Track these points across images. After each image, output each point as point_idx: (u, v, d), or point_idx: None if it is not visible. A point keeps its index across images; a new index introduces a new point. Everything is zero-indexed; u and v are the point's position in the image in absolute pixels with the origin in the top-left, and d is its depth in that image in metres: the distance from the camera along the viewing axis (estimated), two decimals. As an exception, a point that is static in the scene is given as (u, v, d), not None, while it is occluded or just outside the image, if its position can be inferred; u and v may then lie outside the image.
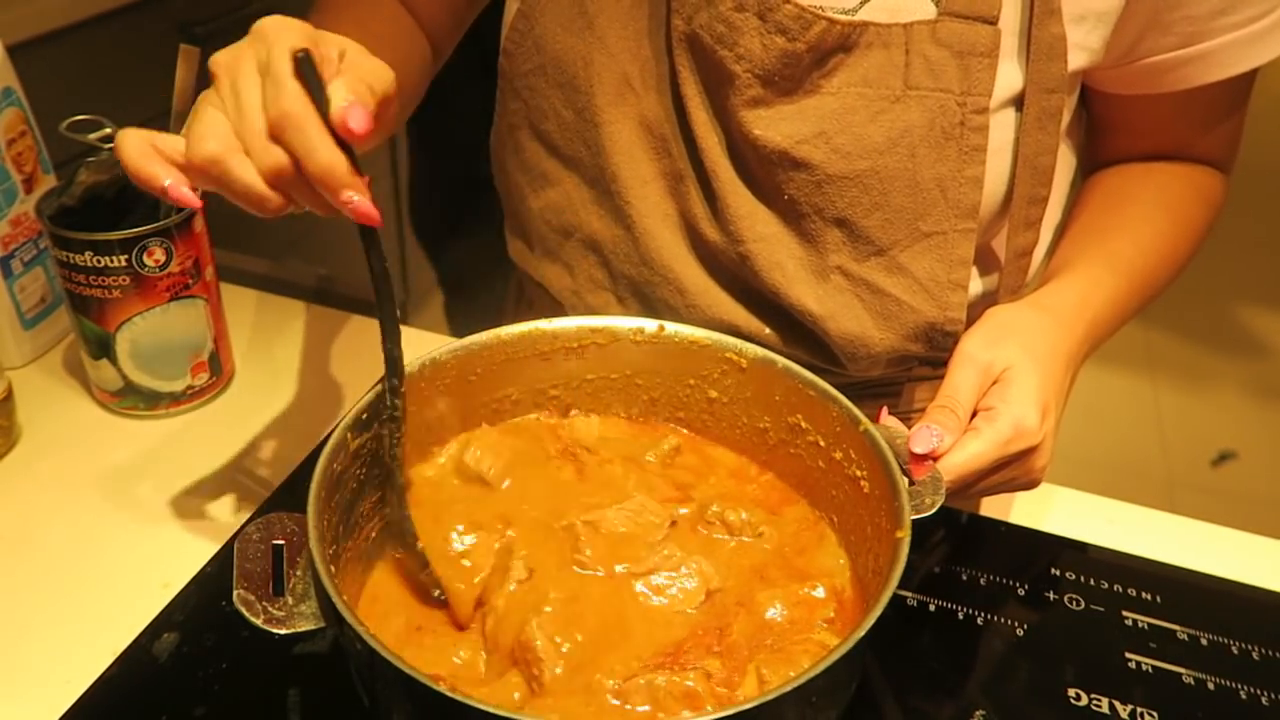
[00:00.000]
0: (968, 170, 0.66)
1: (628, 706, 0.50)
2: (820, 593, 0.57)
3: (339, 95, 0.48)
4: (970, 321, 0.69)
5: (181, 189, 0.50)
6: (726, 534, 0.61)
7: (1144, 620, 0.64)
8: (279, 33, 0.50)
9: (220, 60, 0.51)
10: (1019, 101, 0.66)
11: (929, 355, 0.73)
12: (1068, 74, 0.66)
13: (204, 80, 0.72)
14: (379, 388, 0.58)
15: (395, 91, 0.53)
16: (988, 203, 0.68)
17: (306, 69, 0.48)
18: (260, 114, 0.49)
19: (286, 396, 0.82)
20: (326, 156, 0.48)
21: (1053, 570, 0.68)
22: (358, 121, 0.48)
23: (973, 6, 0.63)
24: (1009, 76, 0.65)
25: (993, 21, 0.63)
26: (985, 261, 0.74)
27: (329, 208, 0.50)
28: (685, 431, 0.68)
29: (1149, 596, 0.66)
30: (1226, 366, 2.56)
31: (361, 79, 0.50)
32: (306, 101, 0.48)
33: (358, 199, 0.49)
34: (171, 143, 0.50)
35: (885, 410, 0.62)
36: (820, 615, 0.56)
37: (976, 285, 0.75)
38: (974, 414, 0.62)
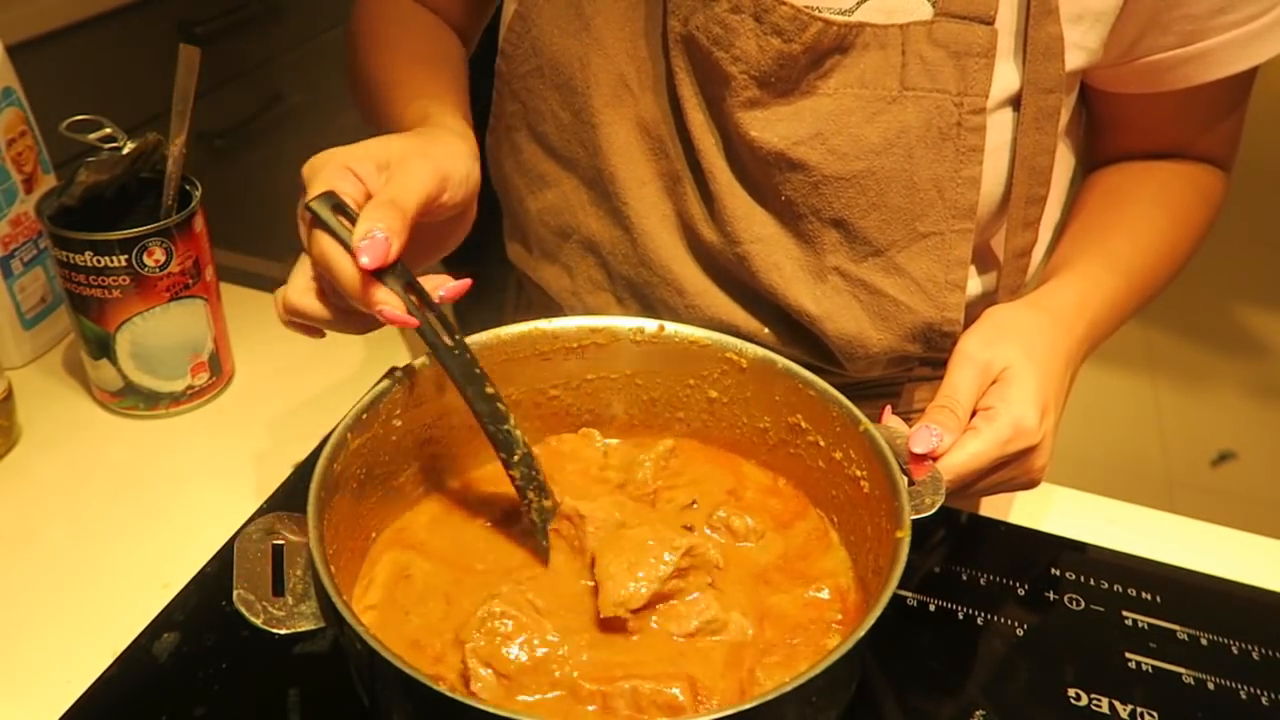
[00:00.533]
0: (965, 170, 0.66)
1: (608, 708, 0.50)
2: (825, 594, 0.57)
3: (358, 231, 0.53)
4: (969, 321, 0.69)
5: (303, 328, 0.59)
6: (731, 539, 0.61)
7: (1144, 620, 0.64)
8: (311, 180, 0.56)
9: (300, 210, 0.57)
10: (1016, 101, 0.66)
11: (928, 355, 0.73)
12: (1065, 73, 0.66)
13: (204, 80, 0.73)
14: (380, 387, 0.58)
15: (439, 187, 0.58)
16: (985, 203, 0.68)
17: (321, 215, 0.54)
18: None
19: (286, 396, 0.82)
20: (350, 287, 0.53)
21: (1053, 570, 0.68)
22: (368, 257, 0.53)
23: (969, 7, 0.63)
24: (1006, 76, 0.65)
25: (989, 22, 0.63)
26: (984, 261, 0.74)
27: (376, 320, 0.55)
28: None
29: (1149, 596, 0.66)
30: (1226, 366, 2.56)
31: (392, 201, 0.54)
32: (326, 246, 0.54)
33: (386, 309, 0.54)
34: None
35: (889, 409, 0.63)
36: (829, 617, 0.56)
37: (975, 285, 0.75)
38: (974, 414, 0.62)
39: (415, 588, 0.57)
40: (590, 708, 0.50)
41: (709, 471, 0.66)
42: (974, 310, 0.72)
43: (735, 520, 0.61)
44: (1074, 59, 0.66)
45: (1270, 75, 0.75)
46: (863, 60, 0.64)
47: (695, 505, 0.63)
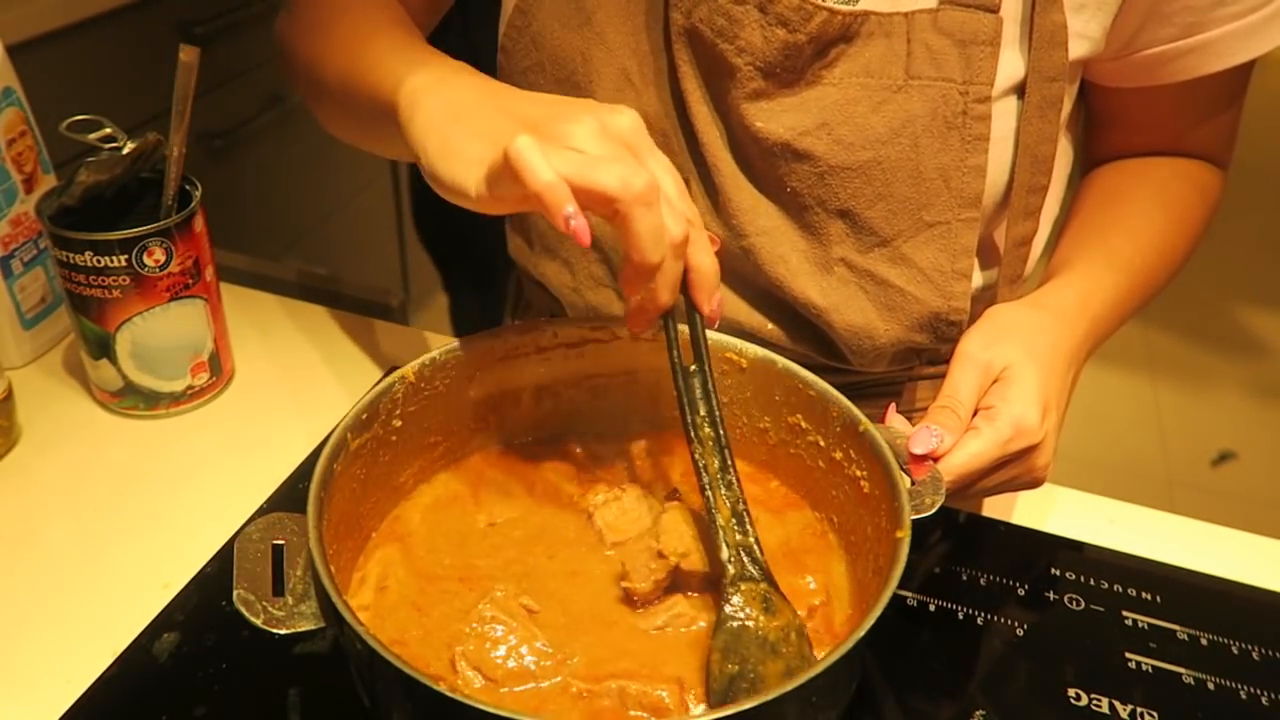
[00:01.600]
0: (970, 159, 0.66)
1: (594, 708, 0.50)
2: (811, 584, 0.58)
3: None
4: (969, 316, 0.69)
5: (584, 223, 0.49)
6: None
7: (1144, 620, 0.64)
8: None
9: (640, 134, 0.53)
10: (1020, 90, 0.66)
11: (933, 347, 0.73)
12: (1068, 62, 0.66)
13: (204, 80, 0.72)
14: (380, 387, 0.58)
15: None
16: (990, 192, 0.68)
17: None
18: (678, 191, 0.53)
19: (286, 396, 0.82)
20: (713, 256, 0.54)
21: (1053, 570, 0.68)
22: (715, 243, 0.56)
23: None
24: (1011, 65, 0.66)
25: (994, 10, 0.63)
26: (985, 254, 0.74)
27: (669, 294, 0.53)
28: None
29: (1149, 596, 0.66)
30: (1226, 366, 2.56)
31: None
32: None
33: (720, 297, 0.56)
34: (556, 162, 0.49)
35: (893, 408, 0.63)
36: (804, 603, 0.56)
37: (977, 278, 0.75)
38: (975, 413, 0.62)
39: (389, 598, 0.57)
40: (577, 707, 0.50)
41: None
42: (975, 303, 0.72)
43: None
44: (1077, 48, 0.66)
45: (1269, 74, 0.75)
46: (868, 49, 0.64)
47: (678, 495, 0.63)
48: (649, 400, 0.67)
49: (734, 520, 0.54)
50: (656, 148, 0.53)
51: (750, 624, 0.52)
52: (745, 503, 0.55)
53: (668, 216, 0.50)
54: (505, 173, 0.49)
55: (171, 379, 0.78)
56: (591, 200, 0.49)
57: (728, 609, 0.52)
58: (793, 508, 0.63)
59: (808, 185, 0.67)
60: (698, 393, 0.56)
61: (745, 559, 0.54)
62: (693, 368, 0.57)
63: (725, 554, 0.54)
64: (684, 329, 0.58)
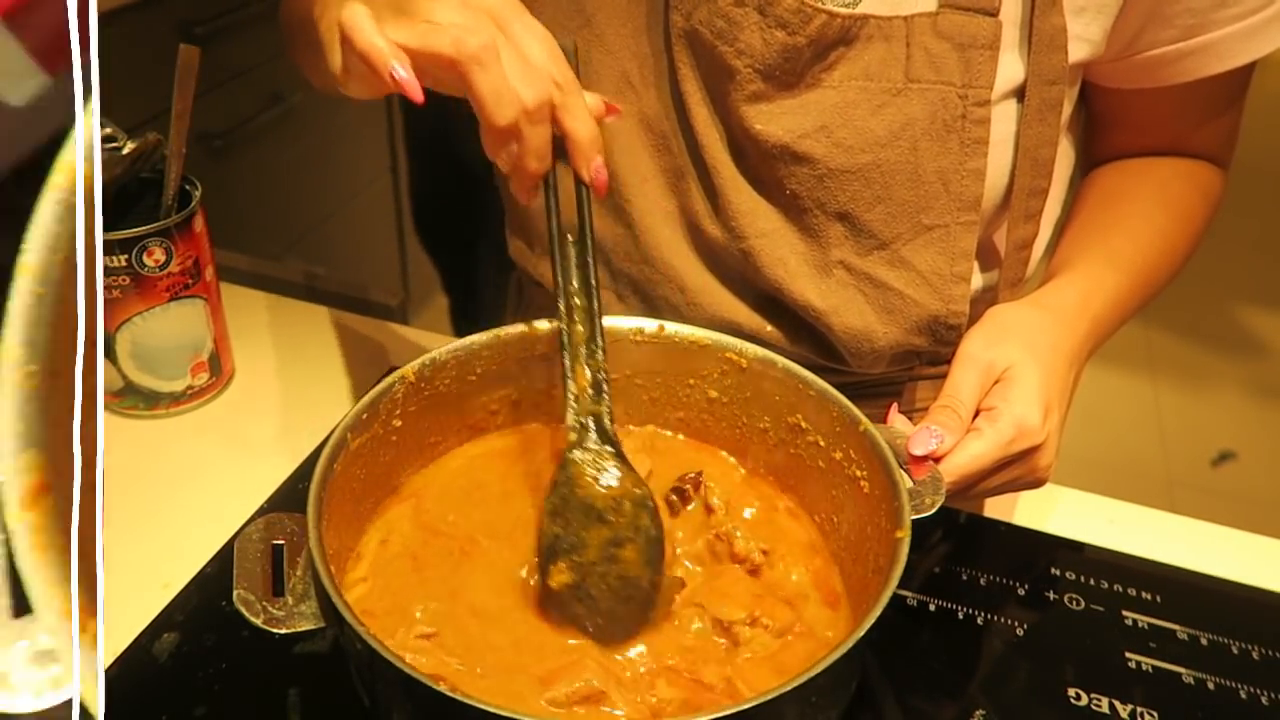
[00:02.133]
0: (970, 163, 0.66)
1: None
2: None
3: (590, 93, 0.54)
4: (970, 319, 0.69)
5: (412, 78, 0.50)
6: (733, 564, 0.60)
7: (1144, 620, 0.64)
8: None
9: (507, 3, 0.52)
10: (1020, 93, 0.66)
11: (932, 350, 0.73)
12: (1068, 65, 0.66)
13: (204, 80, 0.72)
14: (380, 387, 0.58)
15: None
16: (989, 195, 0.68)
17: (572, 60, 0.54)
18: (547, 56, 0.52)
19: (286, 396, 0.82)
20: (592, 122, 0.53)
21: (1053, 570, 0.68)
22: (611, 111, 0.56)
23: None
24: (1010, 68, 0.66)
25: (993, 13, 0.64)
26: (986, 257, 0.74)
27: (536, 161, 0.53)
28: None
29: (1149, 596, 0.66)
30: (1226, 366, 2.57)
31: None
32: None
33: (600, 163, 0.55)
34: (397, 31, 0.50)
35: (895, 408, 0.63)
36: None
37: (977, 280, 0.75)
38: (977, 414, 0.62)
39: (391, 550, 0.57)
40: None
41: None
42: (976, 306, 0.72)
43: (739, 544, 0.59)
44: (1077, 51, 0.66)
45: (1269, 75, 0.75)
46: (867, 52, 0.64)
47: (700, 476, 0.63)
48: (649, 402, 0.67)
49: (590, 389, 0.55)
50: (527, 14, 0.53)
51: (580, 490, 0.53)
52: (607, 374, 0.55)
53: (519, 80, 0.50)
54: (346, 44, 0.50)
55: (171, 379, 0.78)
56: (431, 64, 0.50)
57: (561, 474, 0.54)
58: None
59: (807, 188, 0.67)
60: (574, 261, 0.57)
61: (592, 426, 0.55)
62: (571, 237, 0.57)
63: (570, 419, 0.54)
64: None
